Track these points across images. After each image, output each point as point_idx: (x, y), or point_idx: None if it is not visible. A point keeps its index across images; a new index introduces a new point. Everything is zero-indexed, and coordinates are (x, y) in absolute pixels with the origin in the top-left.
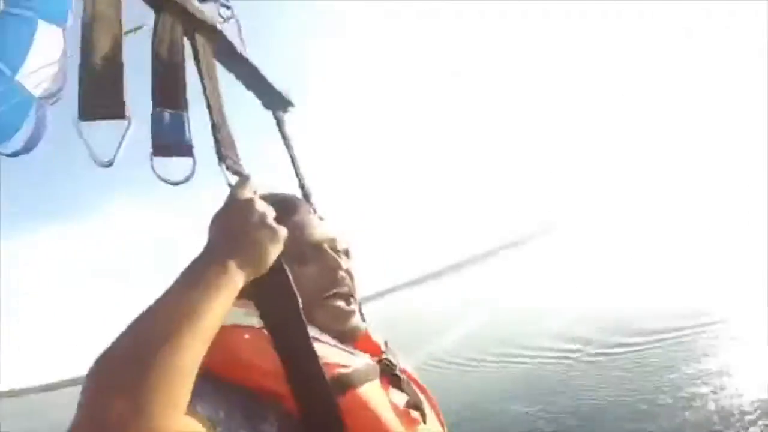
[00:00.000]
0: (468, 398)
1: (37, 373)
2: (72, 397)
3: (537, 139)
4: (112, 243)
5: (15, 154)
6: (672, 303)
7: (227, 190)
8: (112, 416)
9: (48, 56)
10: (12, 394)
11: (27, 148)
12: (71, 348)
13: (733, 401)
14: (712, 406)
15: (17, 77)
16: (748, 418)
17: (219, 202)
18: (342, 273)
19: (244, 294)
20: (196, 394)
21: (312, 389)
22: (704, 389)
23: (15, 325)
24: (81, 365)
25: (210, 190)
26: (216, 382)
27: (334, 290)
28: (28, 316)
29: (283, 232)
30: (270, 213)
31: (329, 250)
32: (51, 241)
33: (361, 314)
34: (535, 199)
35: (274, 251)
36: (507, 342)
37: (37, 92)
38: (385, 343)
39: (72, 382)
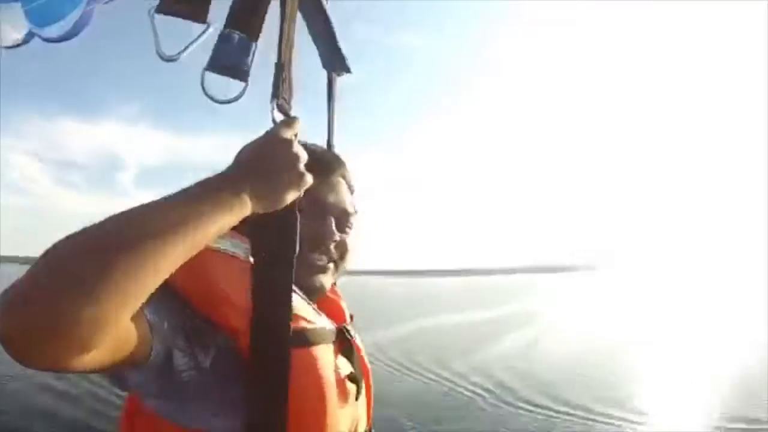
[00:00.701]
0: None
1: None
2: None
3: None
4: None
5: (49, 40)
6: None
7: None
8: (56, 295)
9: None
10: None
11: (63, 38)
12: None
13: None
14: None
15: None
16: None
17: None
18: (330, 243)
19: (244, 227)
20: (150, 299)
21: (273, 335)
22: None
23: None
24: None
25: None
26: (174, 296)
27: (315, 255)
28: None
29: (308, 179)
30: (303, 158)
31: (330, 220)
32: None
33: (334, 283)
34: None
35: (292, 195)
36: (434, 357)
37: None
38: (351, 316)
39: None
